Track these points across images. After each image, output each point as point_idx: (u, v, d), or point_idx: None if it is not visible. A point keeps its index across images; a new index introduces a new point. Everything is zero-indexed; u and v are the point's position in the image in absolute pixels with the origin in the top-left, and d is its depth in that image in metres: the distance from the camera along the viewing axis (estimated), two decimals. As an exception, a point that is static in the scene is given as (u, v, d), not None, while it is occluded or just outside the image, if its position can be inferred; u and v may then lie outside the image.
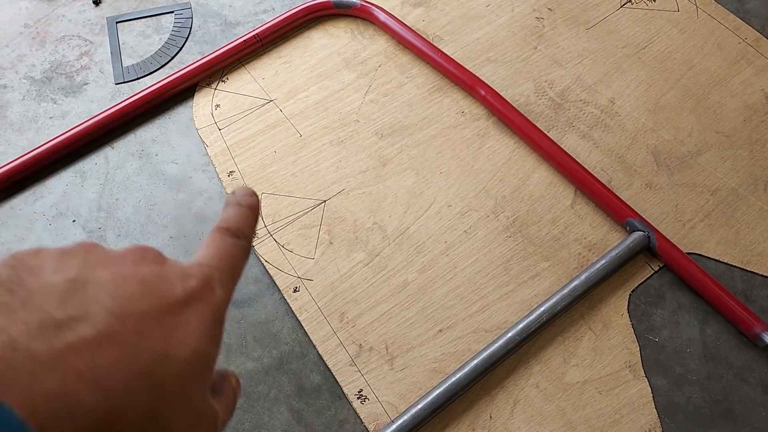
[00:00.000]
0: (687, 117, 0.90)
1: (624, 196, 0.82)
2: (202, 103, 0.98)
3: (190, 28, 1.09)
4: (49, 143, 0.92)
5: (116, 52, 1.06)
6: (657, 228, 0.79)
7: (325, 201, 0.86)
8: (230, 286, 0.32)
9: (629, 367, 0.72)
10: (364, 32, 1.04)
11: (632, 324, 0.74)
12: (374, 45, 1.02)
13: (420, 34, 0.99)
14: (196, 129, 0.95)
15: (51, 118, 0.99)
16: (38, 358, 0.24)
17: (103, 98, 1.01)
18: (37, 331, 0.24)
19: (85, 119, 0.94)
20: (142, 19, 1.11)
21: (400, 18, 1.01)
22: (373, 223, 0.84)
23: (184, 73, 0.98)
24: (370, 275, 0.80)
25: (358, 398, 0.72)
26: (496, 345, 0.71)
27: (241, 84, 0.99)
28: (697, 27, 0.99)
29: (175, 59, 1.05)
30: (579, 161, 0.84)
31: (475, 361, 0.70)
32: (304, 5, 1.04)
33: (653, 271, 0.78)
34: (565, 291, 0.74)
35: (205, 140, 0.94)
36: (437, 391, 0.68)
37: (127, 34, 1.09)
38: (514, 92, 0.94)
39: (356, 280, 0.79)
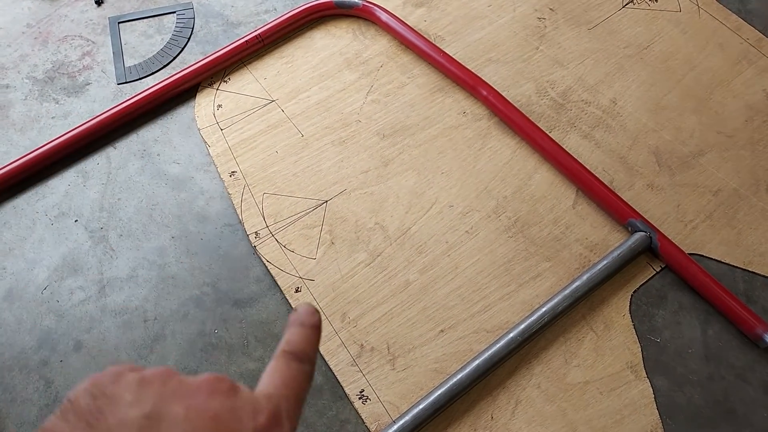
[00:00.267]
0: (689, 117, 0.90)
1: (626, 196, 0.82)
2: (204, 103, 0.98)
3: (192, 28, 1.09)
4: (52, 143, 0.92)
5: (118, 52, 1.06)
6: (659, 228, 0.79)
7: (326, 201, 0.86)
8: (297, 415, 0.32)
9: (631, 367, 0.72)
10: (365, 32, 1.04)
11: (634, 324, 0.74)
12: (376, 45, 1.02)
13: (422, 34, 0.99)
14: (198, 129, 0.96)
15: (53, 118, 0.99)
16: None
17: (105, 98, 1.01)
18: None
19: (88, 119, 0.95)
20: (144, 20, 1.11)
21: (401, 18, 1.01)
22: (374, 223, 0.84)
23: (186, 74, 0.98)
24: (371, 275, 0.80)
25: (359, 398, 0.72)
26: (498, 345, 0.71)
27: (243, 84, 0.99)
28: (699, 27, 0.99)
29: (177, 59, 1.05)
30: (580, 161, 0.84)
31: (477, 362, 0.70)
32: (305, 5, 1.04)
33: (655, 272, 0.78)
34: (567, 291, 0.74)
35: (206, 140, 0.94)
36: (439, 392, 0.68)
37: (129, 34, 1.09)
38: (515, 92, 0.94)
39: (358, 281, 0.79)
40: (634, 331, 0.74)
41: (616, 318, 0.75)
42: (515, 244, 0.81)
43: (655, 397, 0.70)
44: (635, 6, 1.02)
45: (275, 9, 1.09)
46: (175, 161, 0.93)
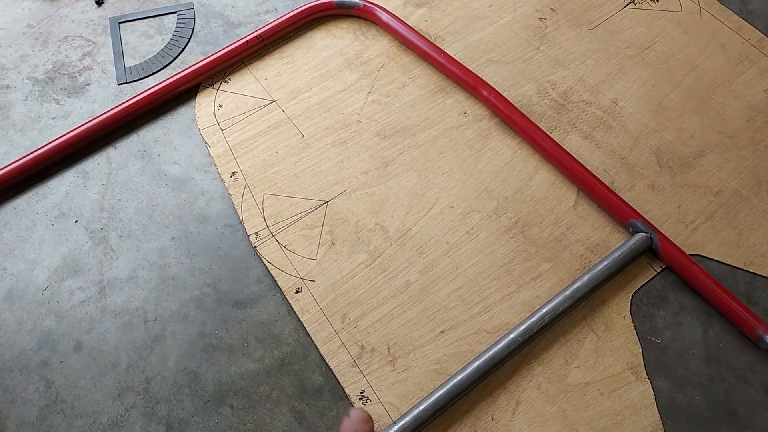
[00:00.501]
0: (690, 118, 0.90)
1: (626, 197, 0.82)
2: (205, 103, 0.98)
3: (193, 28, 1.09)
4: (52, 144, 0.92)
5: (119, 53, 1.06)
6: (659, 229, 0.79)
7: (327, 202, 0.86)
8: None
9: (631, 368, 0.71)
10: (366, 33, 1.04)
11: (634, 325, 0.74)
12: (377, 45, 1.02)
13: (422, 34, 0.99)
14: (199, 129, 0.96)
15: (53, 118, 0.99)
16: None
17: (105, 99, 1.01)
18: None
19: (88, 120, 0.95)
20: (145, 20, 1.11)
21: (402, 18, 1.01)
22: (375, 223, 0.84)
23: (187, 74, 0.98)
24: (372, 276, 0.80)
25: (360, 399, 0.72)
26: (498, 346, 0.70)
27: (244, 84, 0.99)
28: (701, 27, 0.99)
29: (177, 60, 1.05)
30: (581, 162, 0.84)
31: (477, 363, 0.70)
32: (306, 6, 1.04)
33: (656, 273, 0.78)
34: (567, 292, 0.73)
35: (207, 141, 0.94)
36: (439, 393, 0.68)
37: (130, 34, 1.09)
38: (516, 93, 0.94)
39: (358, 281, 0.79)
40: (634, 332, 0.74)
41: (617, 319, 0.75)
42: (516, 245, 0.81)
43: (655, 398, 0.69)
44: (636, 6, 1.02)
45: (276, 9, 1.09)
46: (175, 162, 0.93)
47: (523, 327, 0.71)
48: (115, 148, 0.95)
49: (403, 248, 0.81)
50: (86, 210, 0.89)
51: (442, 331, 0.75)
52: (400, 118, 0.93)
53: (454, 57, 0.95)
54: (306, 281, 0.80)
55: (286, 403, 0.73)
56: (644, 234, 0.77)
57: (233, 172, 0.90)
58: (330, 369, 0.74)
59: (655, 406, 0.69)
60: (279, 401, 0.73)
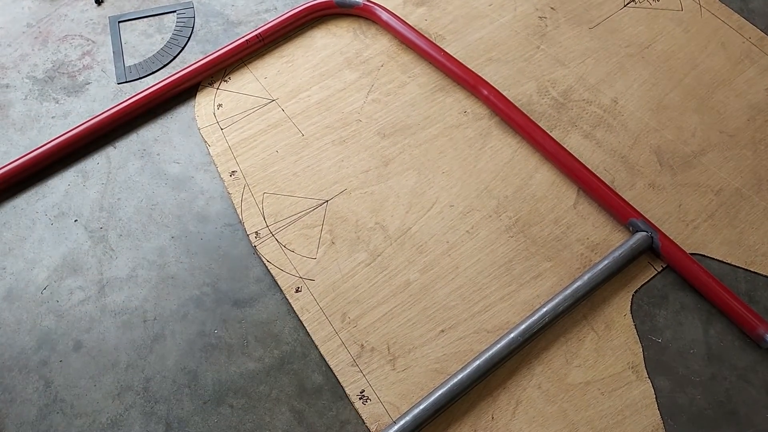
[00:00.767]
0: (690, 116, 0.90)
1: (627, 196, 0.82)
2: (204, 102, 0.98)
3: (192, 27, 1.09)
4: (51, 143, 0.92)
5: (118, 52, 1.06)
6: (660, 228, 0.78)
7: (327, 201, 0.86)
8: None
9: (632, 368, 0.71)
10: (366, 31, 1.04)
11: (635, 325, 0.74)
12: (376, 44, 1.02)
13: (422, 33, 0.98)
14: (198, 129, 0.95)
15: (53, 117, 0.99)
16: None
17: (105, 98, 1.01)
18: None
19: (87, 119, 0.94)
20: (145, 19, 1.11)
21: (402, 17, 1.01)
22: (375, 223, 0.84)
23: (186, 73, 0.98)
24: (371, 275, 0.80)
25: (360, 399, 0.71)
26: (498, 345, 0.70)
27: (243, 83, 0.99)
28: (701, 26, 0.99)
29: (177, 59, 1.05)
30: (582, 161, 0.84)
31: (477, 362, 0.69)
32: (306, 4, 1.04)
33: (656, 272, 0.77)
34: (568, 291, 0.73)
35: (206, 140, 0.94)
36: (439, 392, 0.68)
37: (129, 33, 1.09)
38: (516, 92, 0.94)
39: (358, 280, 0.79)
40: (635, 331, 0.74)
41: (618, 318, 0.74)
42: (516, 244, 0.80)
43: (656, 398, 0.69)
44: (637, 5, 1.02)
45: (275, 8, 1.09)
46: (175, 161, 0.93)
47: (523, 326, 0.71)
48: (115, 148, 0.95)
49: (403, 247, 0.81)
50: (86, 209, 0.89)
51: (442, 331, 0.75)
52: (400, 117, 0.93)
53: (454, 56, 0.95)
54: (306, 280, 0.80)
55: (286, 403, 0.73)
56: (645, 233, 0.77)
57: (233, 171, 0.90)
58: (330, 368, 0.74)
59: (656, 405, 0.69)
60: (279, 400, 0.73)
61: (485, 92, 0.91)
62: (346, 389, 0.72)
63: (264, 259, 0.82)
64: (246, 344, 0.77)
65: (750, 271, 0.77)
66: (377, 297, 0.78)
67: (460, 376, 0.69)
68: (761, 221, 0.80)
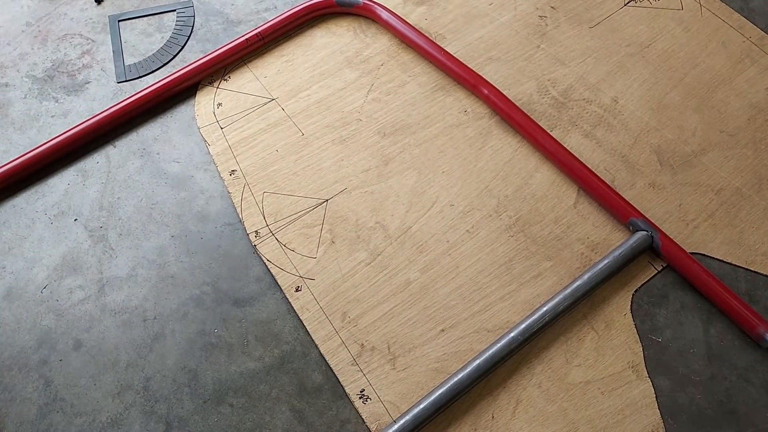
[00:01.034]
0: (691, 116, 0.90)
1: (627, 195, 0.82)
2: (204, 101, 0.98)
3: (192, 26, 1.09)
4: (51, 142, 0.92)
5: (118, 51, 1.06)
6: (660, 228, 0.78)
7: (327, 200, 0.86)
8: None
9: (632, 367, 0.71)
10: (366, 31, 1.03)
11: (635, 324, 0.74)
12: (376, 43, 1.02)
13: (422, 32, 0.98)
14: (198, 128, 0.95)
15: (53, 116, 0.99)
16: None
17: (104, 97, 1.01)
18: None
19: (87, 118, 0.94)
20: (144, 18, 1.10)
21: (402, 16, 1.01)
22: (375, 222, 0.84)
23: (186, 72, 0.97)
24: (372, 275, 0.80)
25: (360, 398, 0.71)
26: (499, 345, 0.70)
27: (243, 82, 0.99)
28: (701, 25, 0.99)
29: (177, 58, 1.05)
30: (582, 160, 0.84)
31: (477, 361, 0.69)
32: (306, 3, 1.03)
33: (656, 271, 0.77)
34: (568, 291, 0.73)
35: (206, 139, 0.94)
36: (439, 391, 0.68)
37: (129, 32, 1.09)
38: (516, 91, 0.93)
39: (358, 280, 0.79)
40: (635, 330, 0.74)
41: (618, 317, 0.74)
42: (516, 244, 0.80)
43: (656, 397, 0.69)
44: (637, 4, 1.02)
45: (275, 7, 1.09)
46: (174, 160, 0.93)
47: (523, 325, 0.71)
48: (115, 147, 0.95)
49: (403, 247, 0.81)
50: (85, 208, 0.89)
51: (443, 330, 0.75)
52: (400, 117, 0.93)
53: (455, 55, 0.95)
54: (306, 280, 0.80)
55: (286, 402, 0.73)
56: (645, 232, 0.77)
57: (233, 171, 0.90)
58: (330, 367, 0.74)
59: (656, 404, 0.69)
60: (279, 400, 0.73)
61: (485, 91, 0.90)
62: (346, 388, 0.72)
63: (264, 259, 0.82)
64: (246, 343, 0.77)
65: (750, 270, 0.77)
66: (377, 296, 0.78)
67: (460, 376, 0.69)
68: (761, 221, 0.80)
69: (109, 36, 1.08)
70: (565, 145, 0.85)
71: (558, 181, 0.85)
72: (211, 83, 1.00)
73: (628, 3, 1.02)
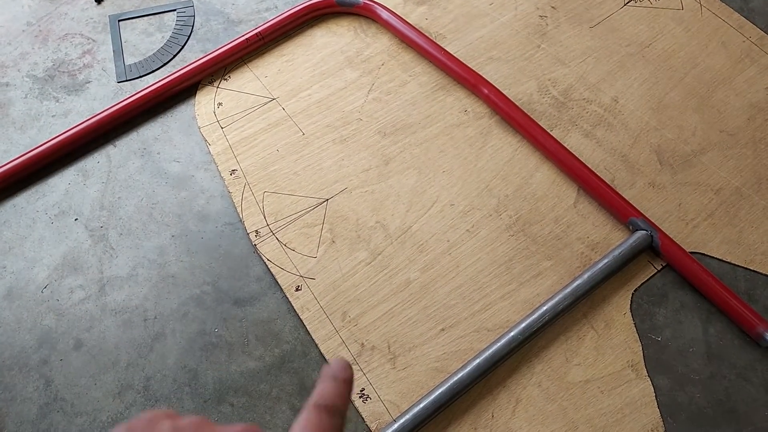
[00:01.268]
0: (691, 115, 0.90)
1: (627, 195, 0.82)
2: (205, 101, 0.98)
3: (193, 26, 1.09)
4: (52, 141, 0.92)
5: (118, 50, 1.06)
6: (660, 227, 0.78)
7: (327, 200, 0.86)
8: None
9: (632, 366, 0.71)
10: (366, 30, 1.03)
11: (635, 323, 0.74)
12: (377, 43, 1.02)
13: (423, 32, 0.98)
14: (198, 127, 0.95)
15: (53, 116, 0.99)
16: None
17: (105, 96, 1.01)
18: None
19: (88, 117, 0.94)
20: (145, 17, 1.11)
21: (402, 16, 1.01)
22: (375, 221, 0.84)
23: (187, 72, 0.98)
24: (372, 274, 0.80)
25: (360, 397, 0.72)
26: (498, 344, 0.70)
27: (244, 82, 0.99)
28: (701, 25, 0.99)
29: (177, 57, 1.05)
30: (582, 160, 0.84)
31: (477, 360, 0.69)
32: (306, 3, 1.03)
33: (656, 270, 0.78)
34: (568, 290, 0.73)
35: (207, 138, 0.94)
36: (439, 390, 0.68)
37: (130, 32, 1.09)
38: (517, 91, 0.94)
39: (358, 279, 0.79)
40: (635, 329, 0.74)
41: (617, 316, 0.74)
42: (516, 243, 0.80)
43: (656, 396, 0.69)
44: (637, 4, 1.02)
45: (276, 7, 1.09)
46: (175, 160, 0.93)
47: (523, 325, 0.71)
48: (115, 146, 0.95)
49: (403, 246, 0.81)
50: (86, 208, 0.89)
51: (443, 329, 0.75)
52: (400, 116, 0.93)
53: (455, 55, 0.95)
54: (306, 279, 0.80)
55: (286, 401, 0.73)
56: (645, 232, 0.77)
57: (233, 170, 0.90)
58: (330, 367, 0.74)
59: (656, 403, 0.69)
60: (279, 399, 0.73)
61: (486, 91, 0.91)
62: (346, 388, 0.72)
63: (264, 258, 0.82)
64: (246, 343, 0.77)
65: (749, 269, 0.77)
66: (377, 296, 0.78)
67: (460, 375, 0.69)
68: (761, 220, 0.80)
69: (110, 36, 1.08)
70: (565, 145, 0.85)
71: (558, 180, 0.85)
72: (211, 83, 1.00)
73: (628, 3, 1.02)
